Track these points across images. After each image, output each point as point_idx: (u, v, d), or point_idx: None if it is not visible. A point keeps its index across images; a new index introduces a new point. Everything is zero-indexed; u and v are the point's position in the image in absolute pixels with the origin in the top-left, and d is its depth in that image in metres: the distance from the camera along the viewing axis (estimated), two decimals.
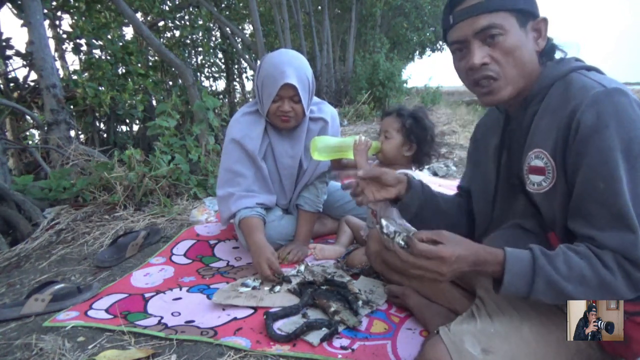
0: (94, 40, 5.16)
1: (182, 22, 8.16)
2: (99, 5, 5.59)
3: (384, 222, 0.94)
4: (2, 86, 4.28)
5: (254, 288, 1.51)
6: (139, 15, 6.82)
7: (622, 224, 0.78)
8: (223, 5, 10.29)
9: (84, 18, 5.28)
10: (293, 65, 1.67)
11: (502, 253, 0.84)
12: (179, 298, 1.52)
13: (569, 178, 0.86)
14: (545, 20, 0.93)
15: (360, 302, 1.36)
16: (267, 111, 1.73)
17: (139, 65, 5.77)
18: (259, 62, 1.81)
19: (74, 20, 5.40)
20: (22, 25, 3.46)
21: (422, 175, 2.99)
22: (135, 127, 6.43)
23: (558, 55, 0.98)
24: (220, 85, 11.10)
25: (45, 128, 3.19)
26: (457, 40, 0.93)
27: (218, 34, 10.07)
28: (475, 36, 0.90)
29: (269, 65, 1.69)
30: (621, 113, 0.79)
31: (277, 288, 1.51)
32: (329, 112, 1.90)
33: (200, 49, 9.20)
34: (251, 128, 1.80)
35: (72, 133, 3.49)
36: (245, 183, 1.79)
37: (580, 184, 0.82)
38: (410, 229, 0.94)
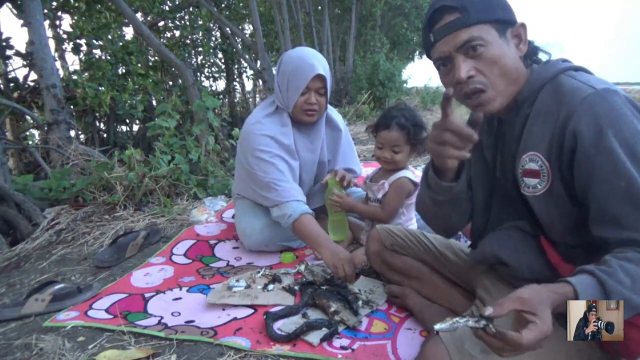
0: (94, 40, 5.15)
1: (182, 22, 8.14)
2: (99, 5, 5.58)
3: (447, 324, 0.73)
4: (2, 86, 4.28)
5: (246, 287, 1.51)
6: (139, 15, 6.82)
7: None
8: (223, 5, 10.28)
9: (84, 18, 5.28)
10: (319, 59, 1.74)
11: (570, 288, 0.75)
12: (179, 298, 1.52)
13: (567, 182, 0.86)
14: (523, 25, 0.93)
15: (360, 302, 1.36)
16: (294, 105, 1.75)
17: (139, 65, 5.77)
18: (278, 60, 1.83)
19: (74, 20, 5.40)
20: (22, 25, 3.46)
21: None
22: (135, 127, 6.43)
23: (542, 57, 0.98)
24: (220, 85, 11.09)
25: (45, 128, 3.19)
26: (440, 57, 0.94)
27: (218, 34, 10.06)
28: (457, 51, 0.90)
29: (296, 60, 1.74)
30: (616, 112, 0.80)
31: (271, 286, 1.51)
32: (340, 119, 2.00)
33: (200, 49, 9.18)
34: (279, 128, 1.79)
35: (72, 133, 3.49)
36: (287, 180, 1.77)
37: (599, 189, 0.81)
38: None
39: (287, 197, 1.70)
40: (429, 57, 1.00)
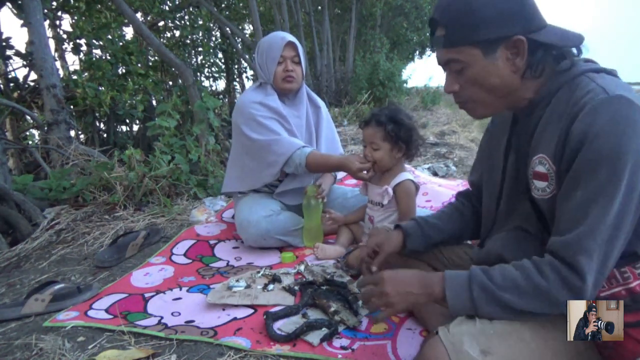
0: (94, 40, 5.16)
1: (182, 22, 8.15)
2: (99, 5, 5.58)
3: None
4: (2, 86, 4.29)
5: (246, 287, 1.51)
6: (139, 15, 6.82)
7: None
8: (223, 5, 10.29)
9: (84, 18, 5.29)
10: (288, 34, 1.97)
11: (442, 273, 0.92)
12: (179, 298, 1.52)
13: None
14: (519, 40, 0.86)
15: (360, 302, 1.36)
16: (274, 76, 1.92)
17: (139, 65, 5.76)
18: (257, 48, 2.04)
19: (74, 20, 5.40)
20: (22, 25, 3.47)
21: (423, 176, 2.99)
22: (135, 127, 6.42)
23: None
24: (220, 85, 11.10)
25: (45, 128, 3.19)
26: (438, 63, 0.98)
27: (218, 34, 10.06)
28: (444, 66, 0.95)
29: (269, 38, 1.97)
30: (616, 122, 0.76)
31: (271, 286, 1.51)
32: (319, 99, 2.17)
33: (200, 49, 9.19)
34: (264, 96, 1.95)
35: (72, 133, 3.50)
36: (284, 136, 1.90)
37: (578, 196, 0.81)
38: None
39: (290, 149, 1.83)
40: None
